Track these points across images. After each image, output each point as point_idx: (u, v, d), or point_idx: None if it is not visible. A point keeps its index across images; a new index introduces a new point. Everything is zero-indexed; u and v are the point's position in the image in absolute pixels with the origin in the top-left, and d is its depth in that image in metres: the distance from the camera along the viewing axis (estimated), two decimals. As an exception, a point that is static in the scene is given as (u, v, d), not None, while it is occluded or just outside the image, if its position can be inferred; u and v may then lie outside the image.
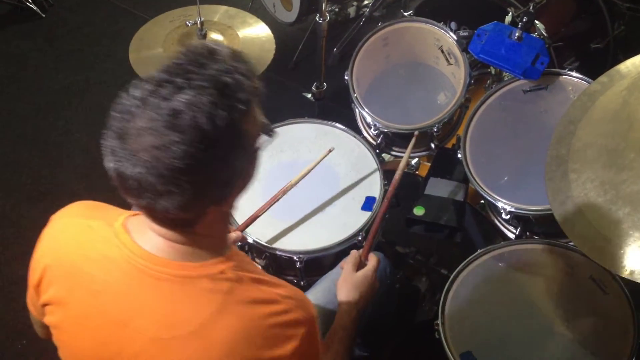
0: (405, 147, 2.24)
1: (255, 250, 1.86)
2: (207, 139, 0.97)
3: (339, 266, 1.74)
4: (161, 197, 1.00)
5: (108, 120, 1.01)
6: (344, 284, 1.57)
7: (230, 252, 1.15)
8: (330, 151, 1.91)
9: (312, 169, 1.88)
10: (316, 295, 1.70)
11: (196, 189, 1.00)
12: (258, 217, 1.81)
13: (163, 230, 1.09)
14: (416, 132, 2.05)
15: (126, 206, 1.13)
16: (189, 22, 2.35)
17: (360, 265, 1.62)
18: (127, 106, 0.99)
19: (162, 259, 1.09)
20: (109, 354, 1.13)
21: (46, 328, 1.33)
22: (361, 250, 1.66)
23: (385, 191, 1.93)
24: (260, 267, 1.88)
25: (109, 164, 1.01)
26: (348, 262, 1.62)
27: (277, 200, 1.82)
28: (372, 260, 1.63)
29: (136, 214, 1.15)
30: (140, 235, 1.11)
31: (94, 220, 1.17)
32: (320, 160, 1.90)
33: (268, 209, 1.81)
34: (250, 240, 1.83)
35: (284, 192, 1.83)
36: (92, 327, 1.13)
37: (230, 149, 1.02)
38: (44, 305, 1.20)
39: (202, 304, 1.07)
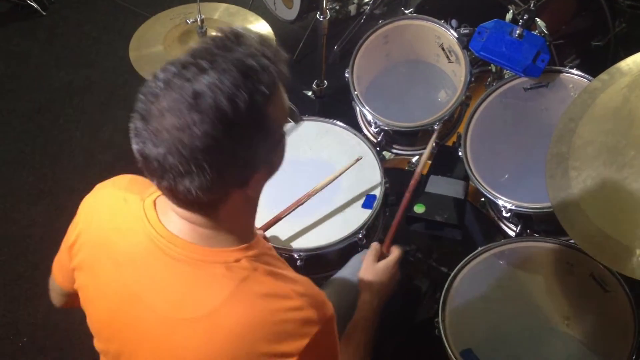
0: (406, 145, 2.25)
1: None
2: (228, 120, 0.98)
3: (344, 267, 1.75)
4: (182, 177, 1.00)
5: (135, 104, 1.02)
6: (365, 275, 1.59)
7: (253, 241, 1.15)
8: (358, 160, 1.91)
9: (340, 175, 1.88)
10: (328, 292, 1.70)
11: (217, 170, 1.01)
12: (281, 218, 1.82)
13: (187, 214, 1.09)
14: (437, 125, 2.06)
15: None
16: (189, 20, 2.35)
17: (381, 257, 1.65)
18: (152, 88, 1.01)
19: (183, 241, 1.10)
20: (119, 324, 1.16)
21: (66, 297, 1.37)
22: (384, 243, 1.69)
23: (386, 189, 1.93)
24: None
25: (134, 145, 1.02)
26: (369, 254, 1.65)
27: (302, 204, 1.83)
28: (395, 251, 1.66)
29: None
30: (166, 215, 1.13)
31: (131, 194, 1.20)
32: (346, 169, 1.89)
33: (292, 211, 1.83)
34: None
35: (309, 196, 1.83)
36: (111, 296, 1.16)
37: (252, 131, 1.03)
38: (74, 269, 1.23)
39: (214, 290, 1.08)
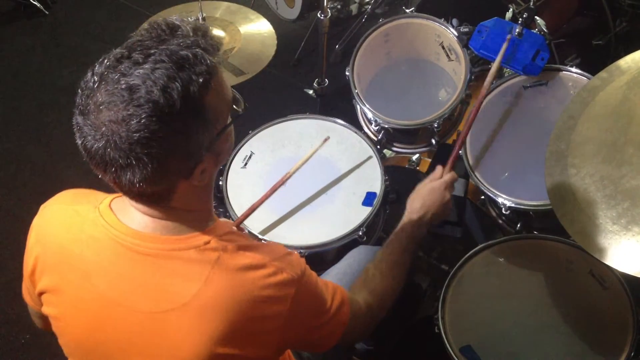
0: (406, 143, 2.25)
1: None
2: (163, 112, 0.99)
3: (341, 261, 1.76)
4: (124, 170, 1.02)
5: (75, 98, 1.04)
6: (412, 195, 1.62)
7: (214, 223, 1.17)
8: (326, 140, 1.92)
9: (309, 158, 1.88)
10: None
11: (157, 162, 1.02)
12: (255, 209, 1.82)
13: (142, 207, 1.11)
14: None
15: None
16: (191, 19, 2.36)
17: (439, 178, 1.66)
18: (89, 82, 1.03)
19: (148, 235, 1.11)
20: (105, 334, 1.15)
21: (44, 319, 1.34)
22: (446, 166, 1.71)
23: (386, 187, 1.94)
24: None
25: (77, 140, 1.04)
26: (427, 178, 1.66)
27: (275, 190, 1.82)
28: (448, 174, 1.66)
29: (120, 195, 1.17)
30: (125, 214, 1.14)
31: (81, 205, 1.19)
32: (317, 150, 1.90)
33: (265, 200, 1.82)
34: (249, 235, 1.84)
35: (282, 182, 1.83)
36: (87, 310, 1.15)
37: (190, 122, 1.03)
38: (40, 294, 1.22)
39: (192, 275, 1.09)
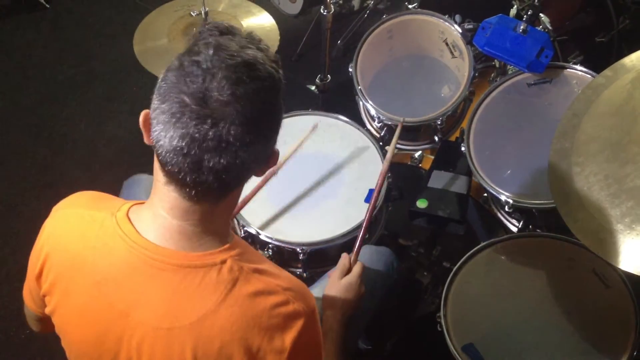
0: (409, 140, 2.25)
1: (259, 241, 1.87)
2: (278, 85, 1.06)
3: (319, 280, 1.76)
4: (241, 148, 1.02)
5: (167, 94, 1.01)
6: (329, 291, 1.59)
7: (232, 240, 1.15)
8: (314, 128, 1.95)
9: (299, 147, 1.91)
10: (319, 291, 1.70)
11: (269, 138, 1.08)
12: (247, 201, 1.83)
13: (185, 208, 1.08)
14: (401, 120, 2.02)
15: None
16: (194, 12, 2.35)
17: (348, 270, 1.63)
18: (196, 71, 1.00)
19: (165, 249, 1.09)
20: (109, 343, 1.13)
21: (41, 322, 1.35)
22: (351, 255, 1.67)
23: (389, 184, 1.94)
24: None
25: (177, 132, 1.00)
26: (335, 270, 1.63)
27: (266, 181, 1.83)
28: (357, 266, 1.63)
29: (139, 203, 1.16)
30: (144, 225, 1.11)
31: (97, 211, 1.17)
32: (306, 138, 1.92)
33: (256, 192, 1.84)
34: (252, 232, 1.84)
35: (273, 172, 1.81)
36: (93, 317, 1.13)
37: (283, 98, 1.09)
38: (45, 295, 1.20)
39: (204, 295, 1.08)
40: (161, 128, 1.02)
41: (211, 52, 1.01)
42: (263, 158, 1.10)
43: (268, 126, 1.06)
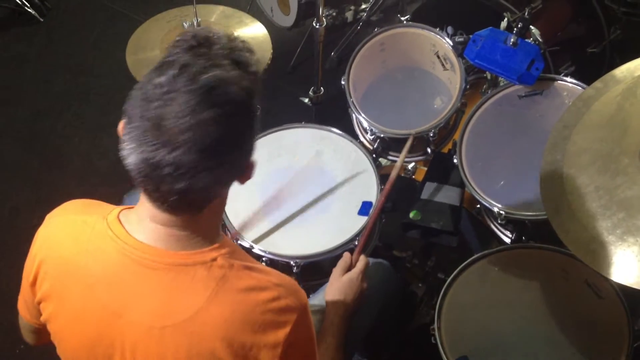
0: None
1: (253, 255, 1.87)
2: (243, 109, 1.03)
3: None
4: (199, 174, 1.01)
5: (132, 115, 1.02)
6: (330, 288, 1.61)
7: (222, 240, 1.16)
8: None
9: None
10: (321, 300, 1.71)
11: (229, 163, 1.05)
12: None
13: (167, 218, 1.09)
14: (413, 133, 2.05)
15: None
16: (186, 24, 2.35)
17: (349, 267, 1.65)
18: (156, 94, 1.00)
19: (157, 249, 1.10)
20: (104, 346, 1.14)
21: (36, 333, 1.35)
22: (354, 253, 1.69)
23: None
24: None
25: (139, 155, 1.01)
26: (337, 266, 1.66)
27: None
28: (360, 262, 1.66)
29: (130, 208, 1.17)
30: (135, 227, 1.13)
31: (89, 215, 1.18)
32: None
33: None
34: (246, 245, 1.84)
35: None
36: (87, 320, 1.14)
37: (252, 124, 1.07)
38: (40, 302, 1.21)
39: (196, 292, 1.09)
40: (127, 147, 1.03)
41: (175, 72, 1.00)
42: (231, 176, 1.09)
43: (230, 151, 1.04)
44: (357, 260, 1.68)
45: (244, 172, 1.11)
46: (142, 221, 1.12)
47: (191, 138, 0.98)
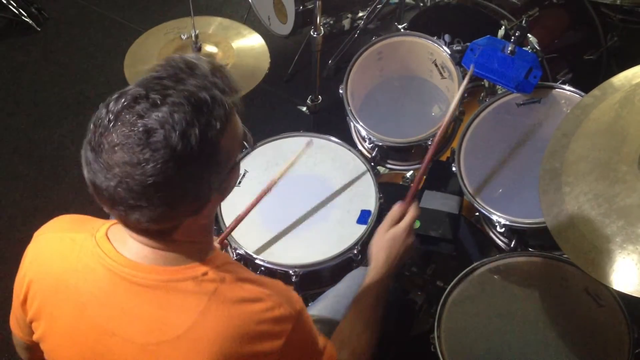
0: (400, 160, 2.25)
1: (251, 265, 1.86)
2: (180, 157, 0.98)
3: (340, 282, 1.75)
4: (133, 210, 1.01)
5: (87, 132, 1.03)
6: (375, 244, 1.55)
7: (213, 254, 1.16)
8: (309, 143, 1.89)
9: (293, 163, 1.84)
10: (320, 309, 1.70)
11: (168, 204, 1.02)
12: (241, 220, 1.80)
13: (144, 239, 1.10)
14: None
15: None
16: (184, 36, 2.35)
17: (398, 220, 1.56)
18: (103, 120, 1.01)
19: (146, 266, 1.10)
20: None
21: (30, 350, 1.33)
22: (404, 203, 1.60)
23: (381, 204, 1.93)
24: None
25: (85, 174, 1.03)
26: (386, 219, 1.56)
27: (260, 199, 1.79)
28: (409, 213, 1.56)
29: (118, 223, 1.16)
30: (123, 244, 1.12)
31: (77, 233, 1.17)
32: (300, 154, 1.86)
33: (250, 211, 1.80)
34: (245, 255, 1.83)
35: (268, 189, 1.78)
36: (80, 339, 1.13)
37: (204, 166, 1.03)
38: (31, 321, 1.20)
39: (188, 307, 1.08)
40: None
41: (125, 104, 1.00)
42: (190, 207, 1.06)
43: (159, 194, 1.00)
44: (407, 209, 1.57)
45: (197, 212, 1.08)
46: (127, 240, 1.12)
47: (123, 173, 0.98)
